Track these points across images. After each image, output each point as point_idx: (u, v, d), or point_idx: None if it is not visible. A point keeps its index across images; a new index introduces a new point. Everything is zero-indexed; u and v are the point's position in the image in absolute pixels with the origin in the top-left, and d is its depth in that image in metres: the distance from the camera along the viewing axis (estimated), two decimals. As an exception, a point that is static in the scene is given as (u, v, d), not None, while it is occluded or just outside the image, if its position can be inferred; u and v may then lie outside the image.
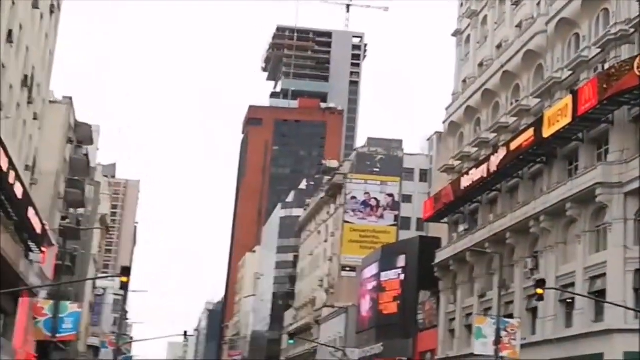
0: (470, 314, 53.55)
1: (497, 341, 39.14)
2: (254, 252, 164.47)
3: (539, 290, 30.76)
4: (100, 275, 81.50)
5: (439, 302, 58.85)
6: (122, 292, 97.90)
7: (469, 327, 53.73)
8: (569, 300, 42.21)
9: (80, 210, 69.18)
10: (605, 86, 36.57)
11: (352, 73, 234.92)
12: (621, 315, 37.17)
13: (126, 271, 35.75)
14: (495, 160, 47.77)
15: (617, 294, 37.28)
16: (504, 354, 39.81)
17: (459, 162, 58.09)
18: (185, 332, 69.39)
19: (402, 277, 66.02)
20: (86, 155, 64.68)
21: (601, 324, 38.27)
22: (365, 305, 72.66)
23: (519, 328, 40.67)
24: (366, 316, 72.18)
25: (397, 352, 64.01)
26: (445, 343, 57.02)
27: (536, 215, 44.00)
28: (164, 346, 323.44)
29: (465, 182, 52.03)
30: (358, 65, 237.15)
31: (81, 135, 63.78)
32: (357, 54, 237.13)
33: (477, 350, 40.95)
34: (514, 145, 45.39)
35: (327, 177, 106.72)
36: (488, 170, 48.64)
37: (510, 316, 44.51)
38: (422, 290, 62.71)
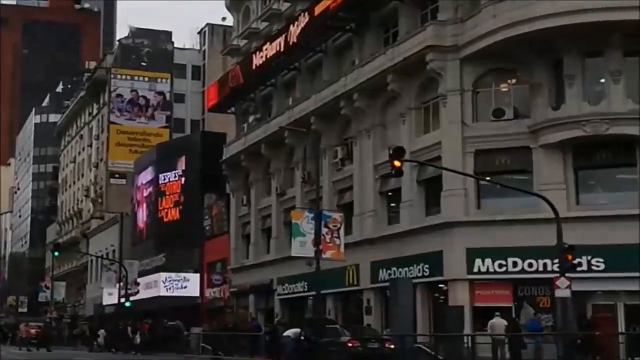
0: (267, 216, 46.42)
1: (318, 240, 32.04)
2: (8, 164, 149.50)
3: (397, 162, 23.38)
4: None
5: (228, 205, 51.26)
6: None
7: (266, 231, 46.71)
8: (390, 193, 35.92)
9: None
10: None
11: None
12: (461, 206, 31.19)
13: None
14: (295, 30, 39.99)
15: (456, 180, 31.11)
16: (326, 254, 32.90)
17: (245, 41, 49.90)
18: None
19: (183, 179, 57.74)
20: None
21: (437, 217, 32.13)
22: (142, 213, 63.87)
23: (342, 223, 33.84)
24: (144, 225, 63.49)
25: (181, 263, 56.10)
26: (238, 250, 49.73)
27: (348, 94, 36.93)
28: None
29: (258, 60, 44.02)
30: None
31: None
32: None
33: (295, 251, 33.78)
34: (318, 10, 37.74)
35: (87, 75, 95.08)
36: (286, 42, 40.84)
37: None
38: (207, 192, 54.85)
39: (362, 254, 35.79)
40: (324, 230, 32.78)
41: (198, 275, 54.85)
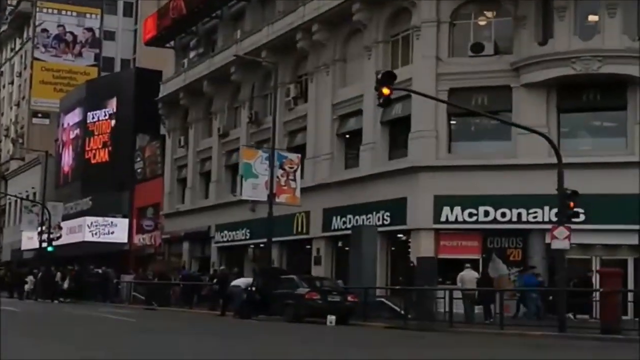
0: (207, 159, 43.15)
1: (272, 182, 29.01)
2: None
3: (386, 90, 20.29)
4: None
5: (164, 147, 47.74)
6: None
7: (205, 175, 43.51)
8: (348, 135, 33.11)
9: None
10: None
11: None
12: (431, 149, 28.50)
13: None
14: (248, -46, 36.57)
15: (426, 120, 28.47)
16: (280, 198, 29.94)
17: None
18: None
19: (115, 117, 53.81)
20: None
21: (403, 161, 29.39)
22: (68, 156, 59.69)
23: (299, 165, 30.88)
24: (69, 167, 59.36)
25: (109, 207, 52.34)
26: (172, 195, 46.38)
27: (306, 25, 33.78)
28: None
29: (205, -12, 40.44)
30: None
31: None
32: None
33: (246, 193, 30.72)
34: None
35: (10, 8, 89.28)
36: (238, -32, 37.41)
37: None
38: (139, 133, 51.20)
39: (314, 200, 32.89)
40: (279, 172, 29.84)
41: (127, 220, 51.33)
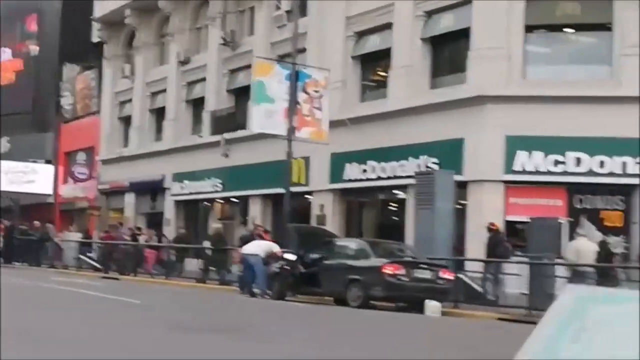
0: (160, 92, 35.09)
1: (293, 110, 21.20)
2: None
3: None
4: None
5: (101, 78, 39.25)
6: None
7: (158, 112, 35.52)
8: (365, 58, 25.65)
9: None
10: None
11: None
12: (500, 73, 21.28)
13: None
14: None
15: (494, 35, 21.23)
16: (302, 133, 22.10)
17: None
18: None
19: (36, 44, 44.87)
20: None
21: (457, 90, 22.06)
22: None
23: (326, 87, 23.03)
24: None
25: (28, 152, 43.46)
26: (113, 137, 38.14)
27: None
28: None
29: None
30: None
31: None
32: None
33: (258, 124, 22.34)
34: None
35: None
36: None
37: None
38: (67, 62, 42.52)
39: (344, 135, 24.61)
40: (302, 96, 21.95)
41: (51, 167, 42.72)
